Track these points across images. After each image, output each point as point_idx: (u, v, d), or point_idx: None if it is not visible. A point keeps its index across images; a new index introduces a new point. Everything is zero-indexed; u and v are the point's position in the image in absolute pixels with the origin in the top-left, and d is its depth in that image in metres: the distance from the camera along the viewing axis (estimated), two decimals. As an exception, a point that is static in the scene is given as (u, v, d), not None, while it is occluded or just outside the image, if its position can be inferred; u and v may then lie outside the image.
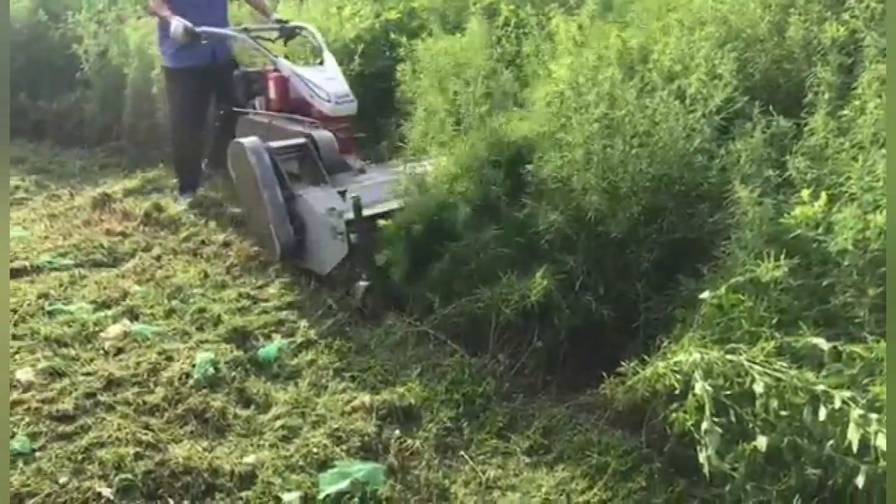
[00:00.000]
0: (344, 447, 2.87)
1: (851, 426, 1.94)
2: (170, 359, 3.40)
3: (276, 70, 4.94)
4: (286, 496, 2.62)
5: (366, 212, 3.70)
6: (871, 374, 2.09)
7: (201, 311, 3.81)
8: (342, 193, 3.82)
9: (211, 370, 3.26)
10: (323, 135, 4.33)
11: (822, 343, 2.21)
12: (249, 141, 4.06)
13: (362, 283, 3.73)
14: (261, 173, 3.94)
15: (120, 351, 3.49)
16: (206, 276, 4.26)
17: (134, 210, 5.21)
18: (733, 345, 2.35)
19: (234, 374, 3.30)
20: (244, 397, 3.18)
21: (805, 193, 2.52)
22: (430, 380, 3.24)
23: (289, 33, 5.24)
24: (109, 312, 3.85)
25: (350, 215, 3.69)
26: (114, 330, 3.64)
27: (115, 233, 4.90)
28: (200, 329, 3.69)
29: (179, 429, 2.98)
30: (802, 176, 2.70)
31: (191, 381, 3.22)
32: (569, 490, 2.60)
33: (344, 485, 2.66)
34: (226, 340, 3.56)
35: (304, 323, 3.70)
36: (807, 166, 2.71)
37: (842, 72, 2.90)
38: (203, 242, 4.75)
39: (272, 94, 5.00)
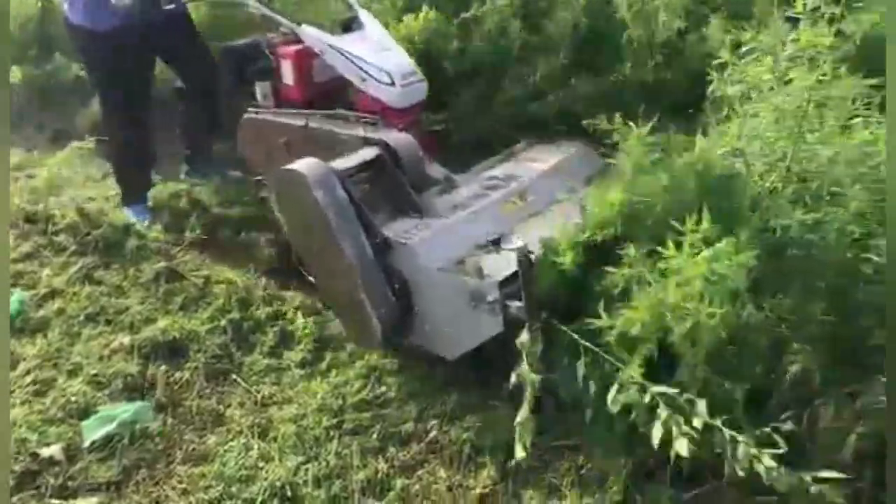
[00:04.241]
0: (106, 392, 2.72)
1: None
2: None
3: (291, 42, 3.53)
4: (45, 451, 2.46)
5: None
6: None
7: (-80, 274, 3.38)
8: (495, 243, 2.56)
9: (-61, 336, 2.92)
10: (400, 140, 2.90)
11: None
12: (309, 167, 2.61)
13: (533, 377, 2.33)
14: (336, 216, 2.54)
15: None
16: (-78, 236, 3.76)
17: None
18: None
19: (-32, 336, 2.98)
20: (-15, 358, 2.89)
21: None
22: (195, 311, 3.13)
23: None
24: None
25: (504, 272, 2.39)
26: None
27: None
28: (-79, 294, 3.27)
29: None
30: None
31: (-84, 351, 2.87)
32: (344, 392, 2.66)
33: (110, 427, 2.53)
34: (-46, 303, 3.19)
35: (46, 272, 3.40)
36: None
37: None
38: (-87, 201, 4.18)
39: (289, 77, 3.51)
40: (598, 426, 2.24)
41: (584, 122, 2.61)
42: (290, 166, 2.66)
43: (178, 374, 2.81)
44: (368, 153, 2.82)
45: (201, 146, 4.17)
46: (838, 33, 2.01)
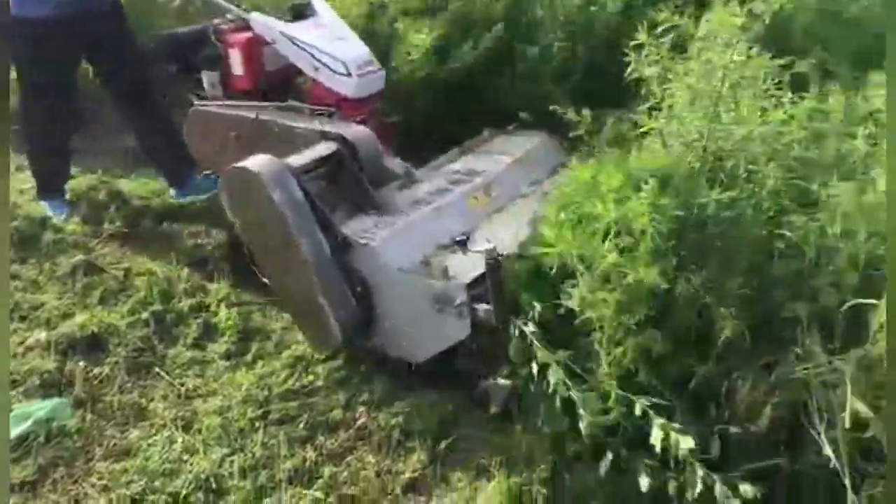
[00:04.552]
0: (21, 390, 2.61)
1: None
2: None
3: (240, 30, 3.38)
4: (-46, 452, 2.35)
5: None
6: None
7: None
8: (462, 244, 2.49)
9: None
10: (359, 134, 2.79)
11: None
12: (264, 164, 2.50)
13: (503, 382, 2.37)
14: (293, 216, 2.44)
15: None
16: None
17: None
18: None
19: None
20: None
21: None
22: (115, 304, 3.04)
23: None
24: None
25: (472, 274, 2.34)
26: None
27: None
28: None
29: None
30: None
31: None
32: (270, 383, 2.61)
33: (25, 426, 2.43)
34: None
35: (-45, 268, 3.25)
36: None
37: None
38: None
39: (238, 66, 3.36)
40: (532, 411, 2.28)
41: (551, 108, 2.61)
42: (243, 164, 2.52)
43: (97, 370, 2.72)
44: (325, 148, 2.71)
45: (174, 157, 3.73)
46: (749, 14, 2.06)
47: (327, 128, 2.83)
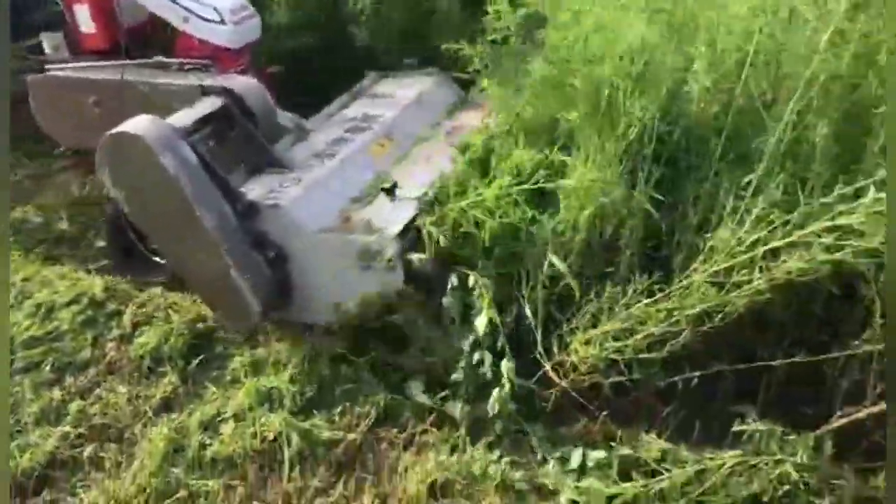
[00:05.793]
0: None
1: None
2: None
3: None
4: None
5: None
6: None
7: None
8: (389, 191, 2.33)
9: None
10: (246, 86, 2.53)
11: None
12: (147, 127, 2.15)
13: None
14: (189, 183, 2.13)
15: None
16: None
17: None
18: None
19: None
20: None
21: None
22: None
23: None
24: None
25: (398, 226, 2.20)
26: None
27: None
28: None
29: None
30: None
31: None
32: (12, 333, 2.52)
33: None
34: None
35: None
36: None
37: None
38: None
39: (87, 24, 2.99)
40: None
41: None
42: (121, 128, 2.17)
43: None
44: (210, 104, 2.46)
45: None
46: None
47: (208, 82, 2.57)
